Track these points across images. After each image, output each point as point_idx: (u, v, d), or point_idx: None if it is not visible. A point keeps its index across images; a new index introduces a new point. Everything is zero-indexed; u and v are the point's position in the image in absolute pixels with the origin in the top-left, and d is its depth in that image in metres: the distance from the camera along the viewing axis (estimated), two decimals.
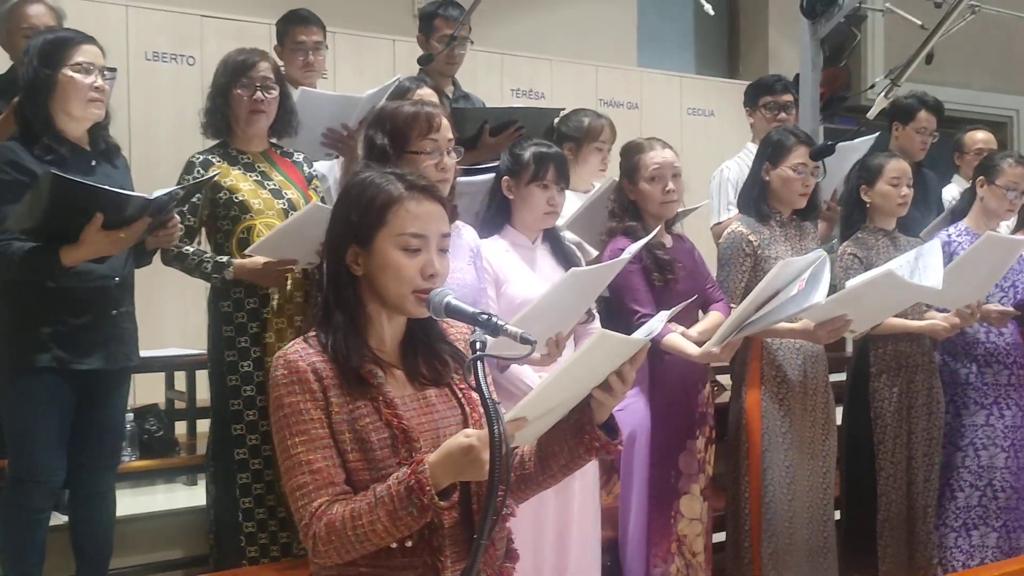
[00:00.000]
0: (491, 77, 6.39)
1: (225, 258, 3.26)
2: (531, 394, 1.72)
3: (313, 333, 1.88)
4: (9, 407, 3.00)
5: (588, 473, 3.17)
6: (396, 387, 1.88)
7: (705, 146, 7.09)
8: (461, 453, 1.70)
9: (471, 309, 1.79)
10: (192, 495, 3.87)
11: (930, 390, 3.92)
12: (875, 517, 3.82)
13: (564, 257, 3.17)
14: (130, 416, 3.61)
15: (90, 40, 3.01)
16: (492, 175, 3.22)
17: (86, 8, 5.20)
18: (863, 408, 3.86)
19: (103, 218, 2.74)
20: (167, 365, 4.29)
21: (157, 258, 3.32)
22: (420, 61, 4.14)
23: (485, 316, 1.76)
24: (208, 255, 3.26)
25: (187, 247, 3.29)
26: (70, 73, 2.93)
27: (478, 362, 1.69)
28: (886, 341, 3.85)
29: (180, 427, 4.25)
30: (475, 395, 1.94)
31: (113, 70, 3.07)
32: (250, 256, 3.23)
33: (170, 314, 5.09)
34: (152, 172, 4.95)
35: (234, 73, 3.32)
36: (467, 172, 3.38)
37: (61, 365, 2.93)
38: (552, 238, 3.22)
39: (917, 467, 3.88)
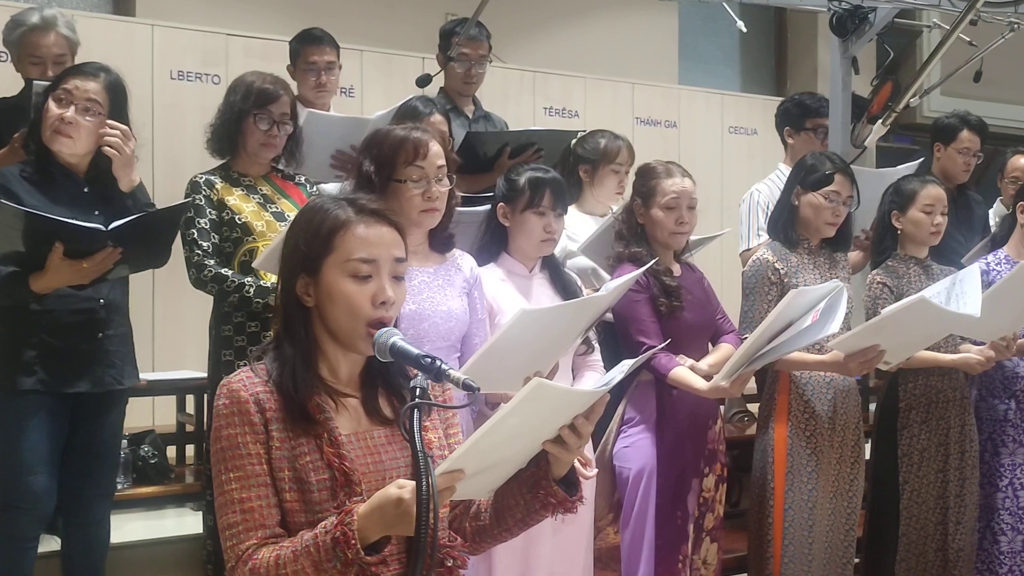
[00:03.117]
0: (522, 95, 6.29)
1: (269, 283, 3.17)
2: (464, 446, 1.61)
3: (262, 362, 1.80)
4: None
5: (582, 516, 3.04)
6: (347, 422, 1.79)
7: (747, 165, 6.92)
8: (391, 506, 1.59)
9: (415, 351, 1.68)
10: (196, 520, 3.80)
11: (963, 427, 3.71)
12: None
13: (563, 286, 3.06)
14: (124, 442, 3.55)
15: (85, 74, 2.93)
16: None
17: (112, 27, 5.24)
18: (890, 445, 3.66)
19: (63, 247, 2.69)
20: (175, 388, 4.24)
21: (178, 282, 3.24)
22: (418, 82, 4.04)
23: (428, 360, 1.64)
24: (250, 279, 3.18)
25: (225, 269, 3.21)
26: (50, 101, 2.89)
27: (414, 410, 1.58)
28: (916, 375, 3.65)
29: (190, 450, 4.21)
30: (430, 438, 1.85)
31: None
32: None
33: (190, 336, 5.04)
34: (176, 190, 4.91)
35: (255, 102, 3.26)
36: (471, 201, 3.28)
37: (46, 388, 2.89)
38: (551, 267, 3.10)
39: (949, 508, 3.66)
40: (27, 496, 2.92)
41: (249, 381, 1.76)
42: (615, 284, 2.78)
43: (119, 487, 3.47)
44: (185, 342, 4.95)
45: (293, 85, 4.26)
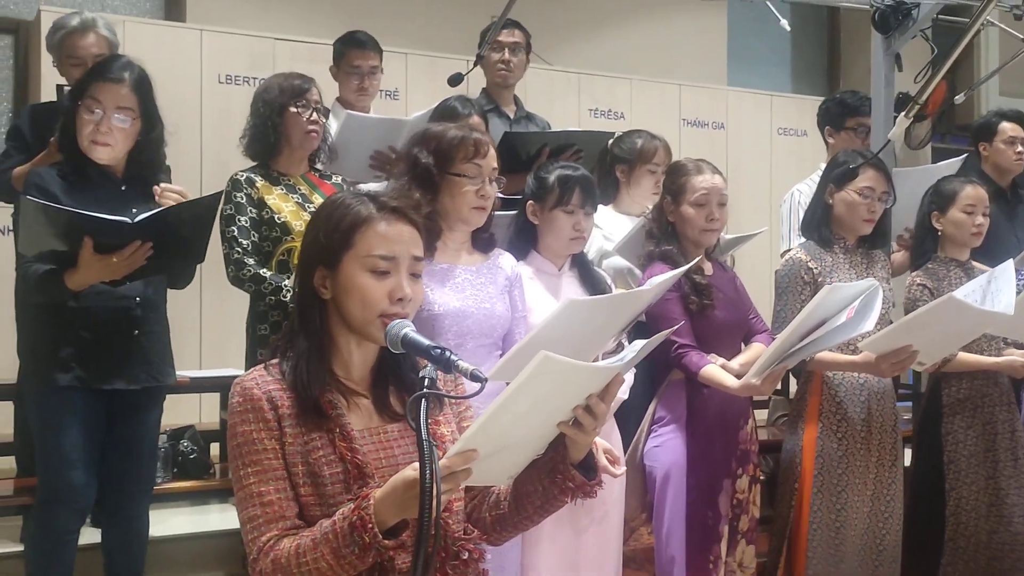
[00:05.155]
0: (568, 97, 6.29)
1: None
2: (475, 424, 1.59)
3: (275, 361, 1.82)
4: (37, 426, 3.03)
5: (612, 516, 3.03)
6: (359, 418, 1.81)
7: (797, 167, 6.82)
8: (405, 488, 1.59)
9: (426, 343, 1.69)
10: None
11: (1013, 432, 3.61)
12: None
13: (592, 285, 3.05)
14: (164, 437, 3.61)
15: (108, 79, 2.93)
16: None
17: (162, 32, 5.36)
18: (934, 451, 3.58)
19: (92, 242, 2.72)
20: (219, 385, 4.31)
21: (225, 281, 3.34)
22: (450, 81, 4.07)
23: (438, 351, 1.66)
24: (287, 282, 3.23)
25: (263, 269, 3.26)
26: (82, 111, 2.92)
27: (422, 399, 1.59)
28: (960, 378, 3.57)
29: None
30: (442, 432, 1.86)
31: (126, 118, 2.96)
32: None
33: (236, 334, 5.12)
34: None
35: (292, 95, 3.35)
36: (508, 203, 3.30)
37: (83, 384, 2.94)
38: (581, 265, 3.10)
39: (1007, 515, 3.55)
40: (66, 490, 2.97)
41: (262, 379, 1.78)
42: (659, 280, 2.77)
43: (159, 481, 3.54)
44: (231, 340, 5.02)
45: (334, 86, 4.34)
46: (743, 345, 3.30)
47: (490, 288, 2.79)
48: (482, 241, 2.84)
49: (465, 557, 1.78)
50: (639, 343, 1.82)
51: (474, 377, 1.62)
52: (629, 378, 3.05)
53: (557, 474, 1.79)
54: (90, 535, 3.32)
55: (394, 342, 1.73)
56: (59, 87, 3.45)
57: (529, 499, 1.84)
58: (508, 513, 1.87)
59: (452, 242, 2.76)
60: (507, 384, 1.58)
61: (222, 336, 5.11)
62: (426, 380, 1.62)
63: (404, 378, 1.87)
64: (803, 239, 3.83)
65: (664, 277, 2.81)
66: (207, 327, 5.18)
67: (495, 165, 2.73)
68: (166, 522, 3.66)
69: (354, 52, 4.27)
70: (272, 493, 1.72)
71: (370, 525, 1.59)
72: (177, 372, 3.67)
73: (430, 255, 2.71)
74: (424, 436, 1.54)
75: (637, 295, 2.74)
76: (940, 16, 4.17)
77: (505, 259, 2.90)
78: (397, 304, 1.77)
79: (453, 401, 1.93)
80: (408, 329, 1.73)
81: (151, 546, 3.27)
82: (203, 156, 5.15)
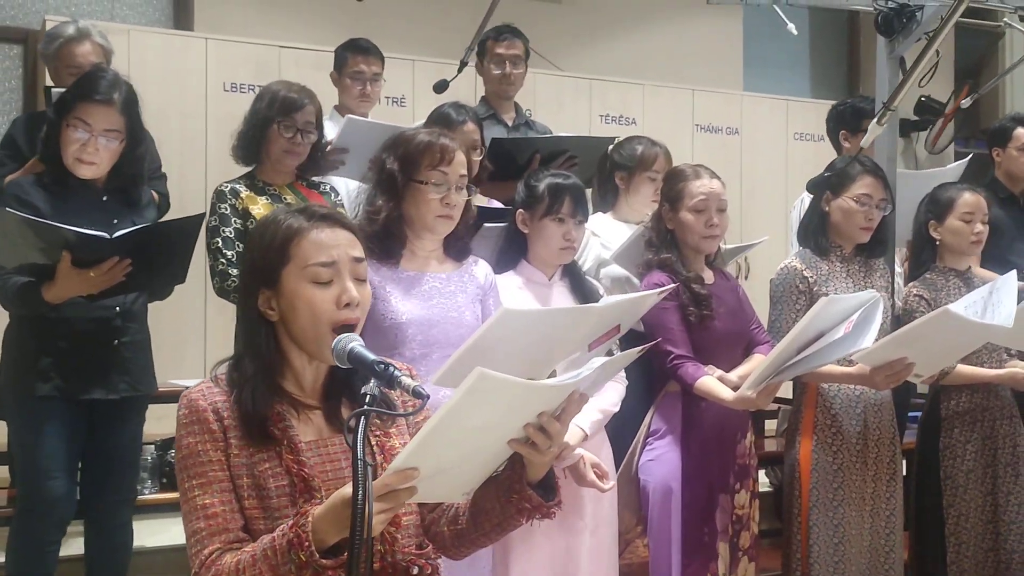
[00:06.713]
0: (579, 102, 6.21)
1: None
2: (412, 442, 1.53)
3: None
4: (17, 435, 3.02)
5: (604, 530, 2.96)
6: (309, 430, 1.78)
7: (813, 173, 6.66)
8: (343, 505, 1.55)
9: (371, 358, 1.64)
10: None
11: (1015, 447, 3.48)
12: None
13: (583, 295, 2.96)
14: (151, 448, 3.58)
15: (97, 100, 2.88)
16: None
17: (167, 40, 5.34)
18: (933, 467, 3.46)
19: (71, 257, 2.69)
20: None
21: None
22: (435, 88, 4.02)
23: (382, 366, 1.60)
24: None
25: None
26: (67, 130, 2.88)
27: (360, 416, 1.53)
28: (960, 391, 3.45)
29: None
30: (394, 444, 1.82)
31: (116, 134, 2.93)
32: None
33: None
34: None
35: (280, 110, 3.29)
36: (494, 212, 3.23)
37: (62, 394, 2.92)
38: (572, 275, 3.02)
39: (1004, 533, 3.43)
40: (45, 500, 2.95)
41: (208, 391, 1.76)
42: (615, 299, 2.68)
43: (146, 492, 3.51)
44: (228, 350, 5.00)
45: (333, 92, 4.30)
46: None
47: (459, 297, 2.70)
48: (455, 248, 2.76)
49: (415, 572, 1.74)
50: (597, 360, 1.74)
51: (416, 394, 1.58)
52: (621, 390, 2.98)
53: (513, 494, 1.74)
54: (73, 546, 3.28)
55: (341, 357, 1.69)
56: (47, 89, 3.36)
57: (486, 516, 1.79)
58: (466, 529, 1.82)
59: (420, 250, 2.69)
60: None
61: (227, 343, 5.06)
62: (367, 396, 1.57)
63: (356, 391, 1.81)
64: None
65: (624, 298, 2.73)
66: (211, 334, 5.13)
67: (462, 172, 2.65)
68: (154, 534, 3.63)
69: (358, 58, 4.25)
70: (216, 505, 1.69)
71: (307, 543, 1.56)
72: (181, 380, 3.68)
73: (395, 262, 2.64)
74: (360, 455, 1.49)
75: (585, 311, 2.61)
76: (960, 19, 4.06)
77: (479, 267, 2.82)
78: (345, 309, 1.73)
79: None
80: (355, 344, 1.69)
81: (137, 557, 3.25)
82: (208, 164, 5.12)
